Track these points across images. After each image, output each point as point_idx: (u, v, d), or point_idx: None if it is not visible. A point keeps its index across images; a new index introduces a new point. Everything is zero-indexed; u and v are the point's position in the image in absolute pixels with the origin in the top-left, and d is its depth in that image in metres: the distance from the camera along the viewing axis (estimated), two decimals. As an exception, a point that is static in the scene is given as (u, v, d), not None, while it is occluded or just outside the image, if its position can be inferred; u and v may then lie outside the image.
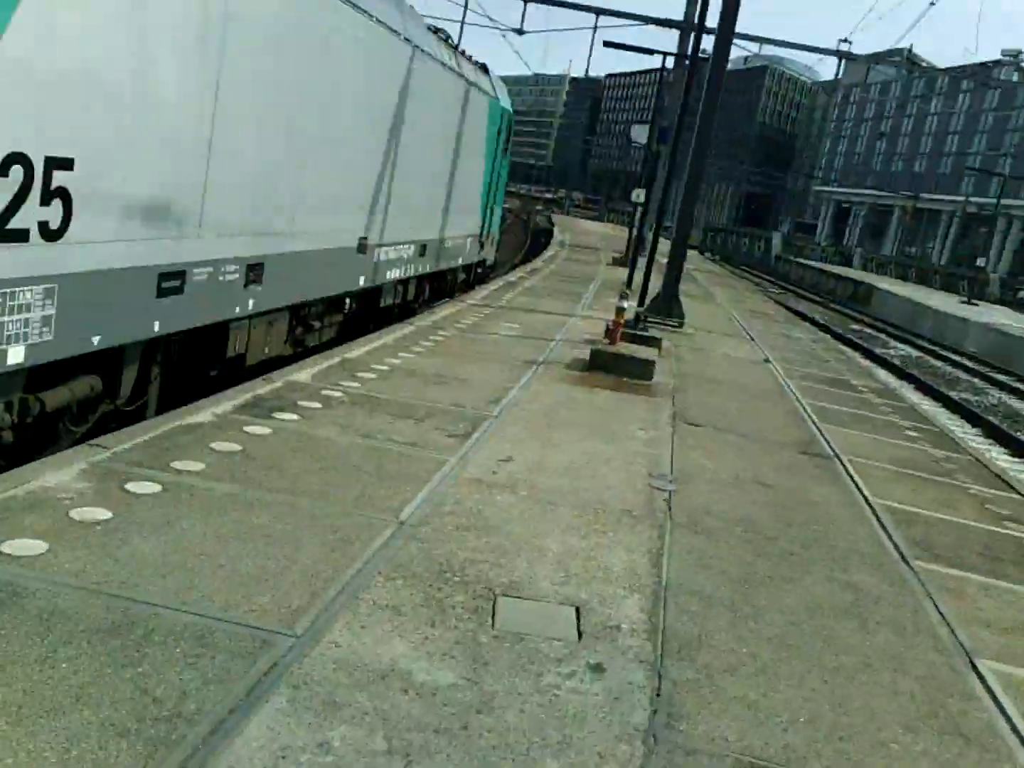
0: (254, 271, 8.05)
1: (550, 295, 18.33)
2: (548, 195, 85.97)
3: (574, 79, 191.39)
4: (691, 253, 51.87)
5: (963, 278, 66.11)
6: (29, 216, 5.08)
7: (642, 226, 27.32)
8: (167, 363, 7.52)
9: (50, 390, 5.91)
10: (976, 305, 43.50)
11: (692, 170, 15.96)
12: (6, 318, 5.06)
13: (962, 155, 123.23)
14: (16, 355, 5.21)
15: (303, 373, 8.31)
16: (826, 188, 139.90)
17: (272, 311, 8.84)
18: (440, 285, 16.24)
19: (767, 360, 14.35)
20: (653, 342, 12.60)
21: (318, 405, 7.27)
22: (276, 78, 7.91)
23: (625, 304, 11.56)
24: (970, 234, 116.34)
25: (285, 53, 7.97)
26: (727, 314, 20.70)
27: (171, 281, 6.69)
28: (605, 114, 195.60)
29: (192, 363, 7.91)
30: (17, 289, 5.12)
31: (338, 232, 10.27)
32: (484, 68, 16.50)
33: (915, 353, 29.77)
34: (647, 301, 16.31)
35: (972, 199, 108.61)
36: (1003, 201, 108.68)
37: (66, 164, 5.29)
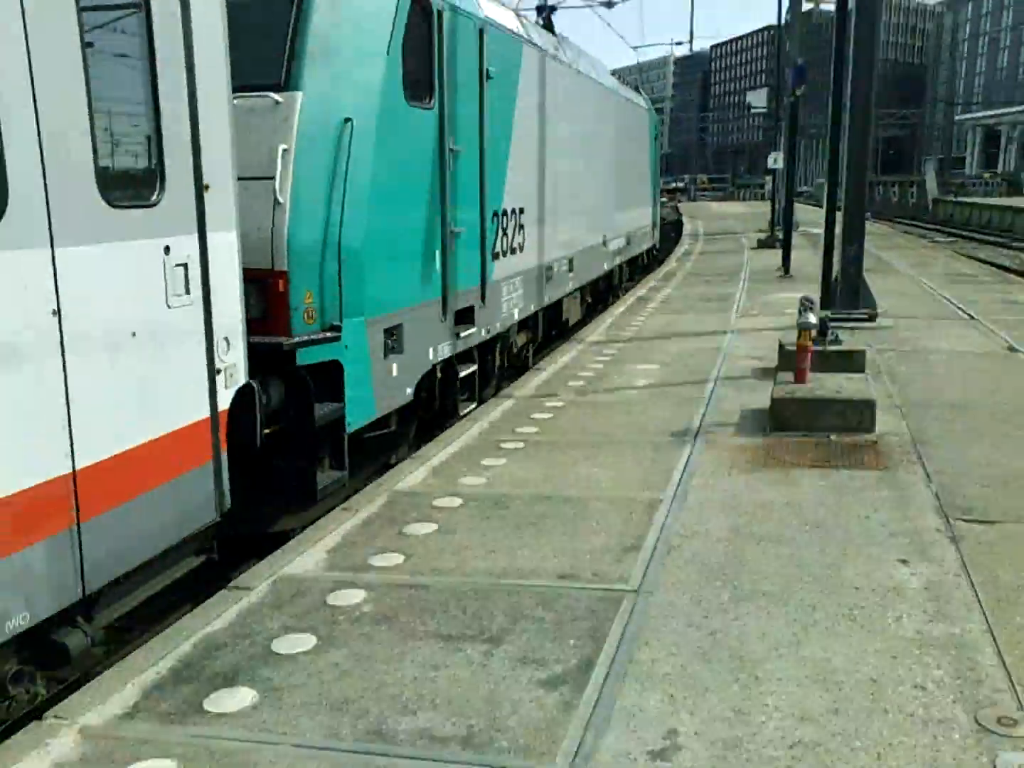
0: (571, 264, 12.58)
1: (692, 306, 14.62)
2: (672, 184, 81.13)
3: (678, 59, 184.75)
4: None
5: None
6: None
7: (790, 196, 23.10)
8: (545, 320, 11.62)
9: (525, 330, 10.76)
10: None
11: (859, 102, 11.95)
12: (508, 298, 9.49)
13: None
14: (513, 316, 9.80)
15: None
16: (970, 116, 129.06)
17: (576, 289, 13.30)
18: (633, 264, 20.15)
19: (1013, 348, 10.24)
20: (855, 358, 8.75)
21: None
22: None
23: (812, 318, 7.74)
24: None
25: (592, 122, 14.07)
26: (919, 285, 16.39)
27: (547, 272, 11.32)
28: (715, 86, 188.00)
29: (551, 322, 12.17)
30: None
31: (595, 234, 14.58)
32: (636, 89, 20.87)
33: None
34: (816, 288, 12.38)
35: None
36: None
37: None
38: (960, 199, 56.41)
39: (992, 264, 27.82)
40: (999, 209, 47.17)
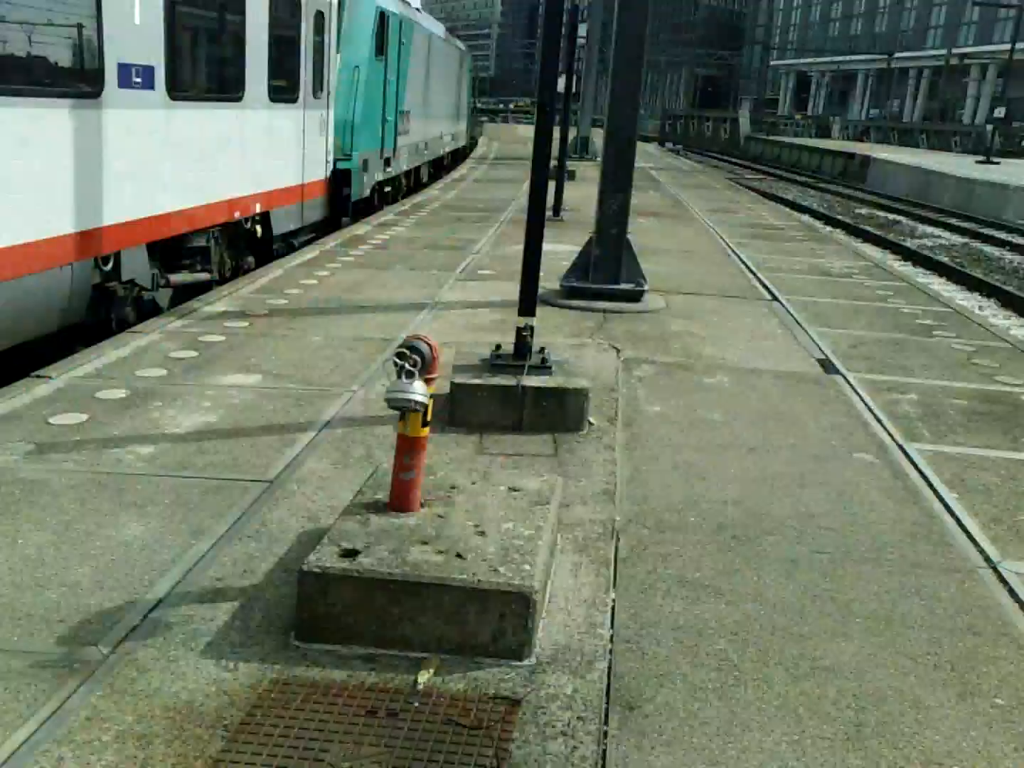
0: (426, 145, 19.94)
1: (410, 256, 10.17)
2: (492, 105, 76.48)
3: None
4: (647, 147, 43.33)
5: (954, 134, 57.53)
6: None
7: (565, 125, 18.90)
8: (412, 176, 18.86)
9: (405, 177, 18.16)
10: (996, 163, 35.12)
11: (624, 35, 7.64)
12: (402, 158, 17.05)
13: (926, 7, 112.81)
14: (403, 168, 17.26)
15: None
16: (784, 61, 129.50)
17: (428, 161, 20.66)
18: (455, 154, 26.91)
19: (827, 367, 6.34)
20: (569, 405, 4.60)
21: None
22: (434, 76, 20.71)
23: (416, 391, 3.21)
24: (938, 90, 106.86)
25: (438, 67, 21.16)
26: (713, 239, 12.57)
27: (417, 147, 18.73)
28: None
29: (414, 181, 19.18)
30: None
31: (436, 130, 21.87)
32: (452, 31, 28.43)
33: (961, 240, 21.60)
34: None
35: (939, 52, 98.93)
36: (970, 49, 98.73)
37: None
38: (771, 137, 54.14)
39: (800, 209, 24.69)
40: (808, 149, 44.82)
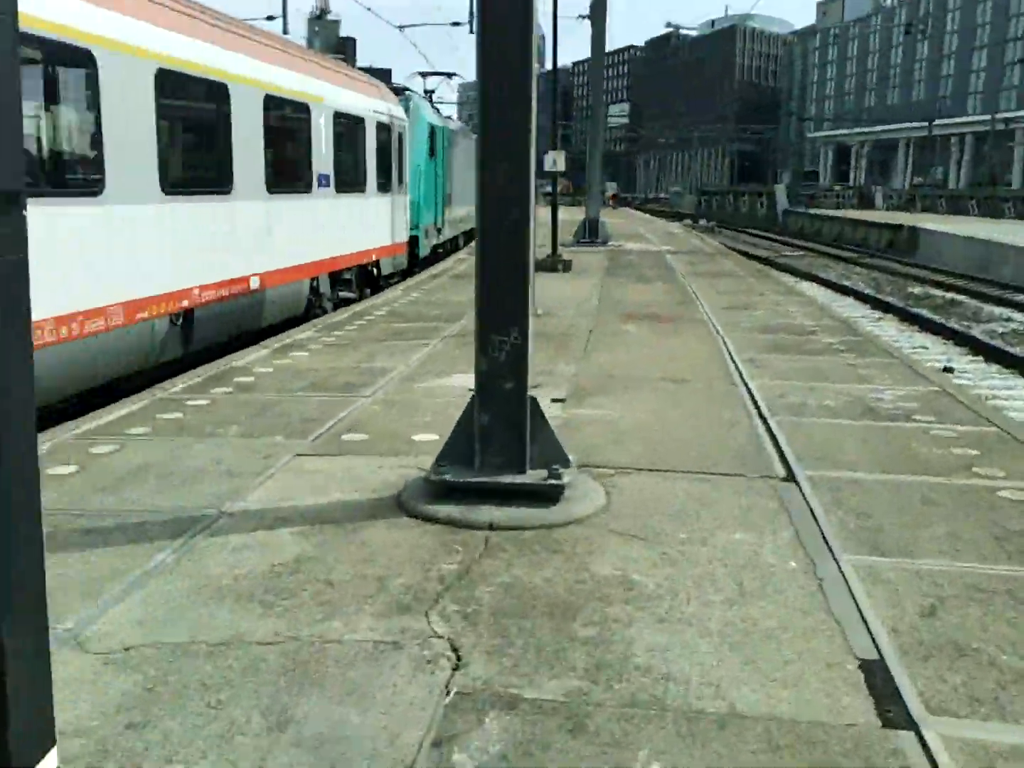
0: (462, 220, 25.38)
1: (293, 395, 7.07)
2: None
3: (540, 73, 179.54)
4: (671, 226, 39.98)
5: (1006, 200, 53.89)
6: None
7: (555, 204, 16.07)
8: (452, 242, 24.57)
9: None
10: (1062, 230, 31.49)
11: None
12: (449, 228, 23.58)
13: (964, 74, 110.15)
14: (447, 235, 23.87)
15: None
16: (822, 133, 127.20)
17: (462, 232, 26.07)
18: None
19: (892, 702, 3.00)
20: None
21: None
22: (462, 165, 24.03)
23: None
24: (983, 156, 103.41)
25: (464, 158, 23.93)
26: (718, 357, 9.33)
27: (456, 220, 24.67)
28: (579, 101, 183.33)
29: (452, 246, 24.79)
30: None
31: (464, 210, 24.93)
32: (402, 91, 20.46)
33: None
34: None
35: (983, 117, 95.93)
36: (1013, 113, 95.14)
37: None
38: (811, 211, 50.99)
39: (840, 290, 21.25)
40: (850, 222, 41.54)
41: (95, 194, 7.59)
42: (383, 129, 15.29)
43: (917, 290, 23.96)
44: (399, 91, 18.28)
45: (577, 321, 11.34)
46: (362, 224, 14.40)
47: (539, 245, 18.63)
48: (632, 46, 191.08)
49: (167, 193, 8.62)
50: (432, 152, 20.26)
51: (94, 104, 7.50)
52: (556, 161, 17.10)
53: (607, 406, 6.87)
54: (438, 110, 24.61)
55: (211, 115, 9.73)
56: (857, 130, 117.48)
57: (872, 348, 9.76)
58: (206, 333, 9.53)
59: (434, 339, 10.00)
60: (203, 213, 9.38)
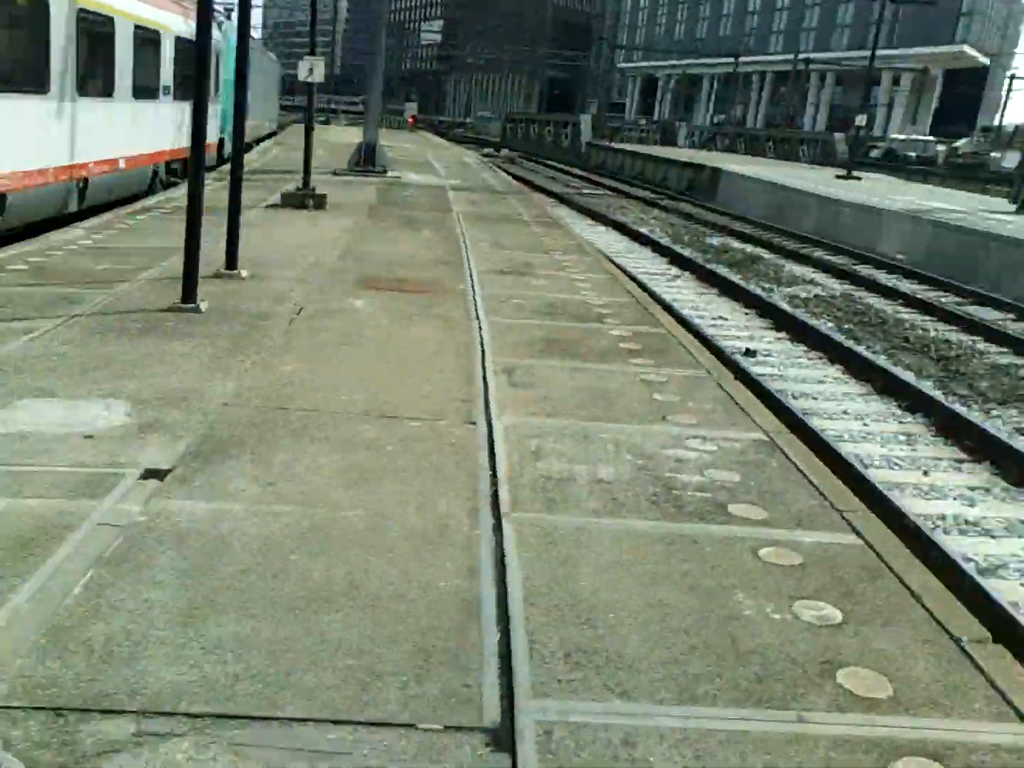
0: (255, 128, 27.89)
1: None
2: (323, 104, 69.38)
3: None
4: (467, 155, 36.23)
5: (802, 142, 54.18)
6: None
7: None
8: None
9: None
10: (858, 179, 30.85)
11: None
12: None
13: (768, 12, 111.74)
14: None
15: None
16: (631, 64, 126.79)
17: (256, 137, 28.85)
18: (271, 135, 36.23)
19: None
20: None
21: None
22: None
23: None
24: (780, 96, 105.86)
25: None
26: (458, 372, 6.68)
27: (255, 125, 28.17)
28: (392, 15, 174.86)
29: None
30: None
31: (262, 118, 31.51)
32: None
33: (841, 288, 16.42)
34: None
35: (785, 56, 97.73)
36: (811, 55, 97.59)
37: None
38: (614, 145, 49.23)
39: (638, 239, 19.08)
40: (652, 160, 39.91)
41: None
42: (179, 44, 17.37)
43: (716, 241, 22.26)
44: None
45: (292, 289, 8.34)
46: (168, 127, 16.98)
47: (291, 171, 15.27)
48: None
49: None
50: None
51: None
52: (313, 70, 13.72)
53: (235, 493, 4.02)
54: None
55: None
56: (665, 63, 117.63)
57: (673, 348, 7.33)
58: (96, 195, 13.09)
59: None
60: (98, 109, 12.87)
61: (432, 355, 6.50)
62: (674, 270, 17.41)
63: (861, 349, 11.32)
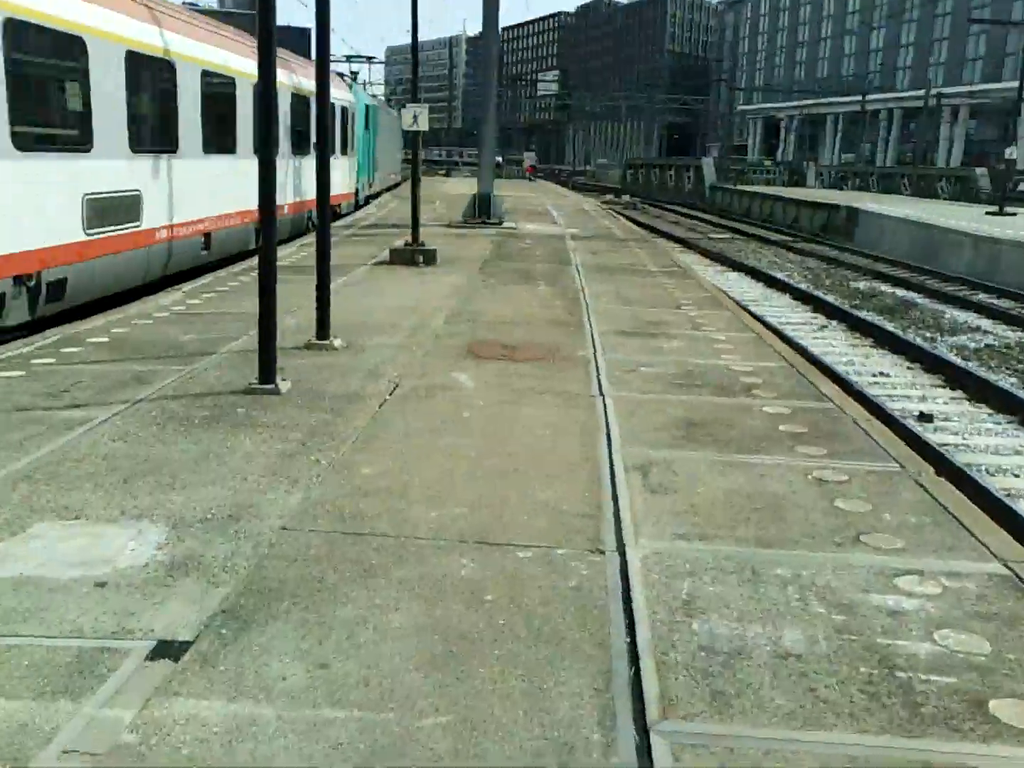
0: (383, 178, 34.30)
1: None
2: (439, 156, 70.03)
3: (470, 38, 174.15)
4: (585, 203, 34.68)
5: (940, 178, 51.17)
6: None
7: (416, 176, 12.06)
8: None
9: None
10: (1012, 215, 28.38)
11: None
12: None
13: (893, 49, 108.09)
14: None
15: None
16: (751, 106, 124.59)
17: (385, 187, 35.10)
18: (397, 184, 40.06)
19: None
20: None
21: None
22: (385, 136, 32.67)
23: None
24: (910, 132, 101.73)
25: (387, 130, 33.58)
26: (577, 474, 5.43)
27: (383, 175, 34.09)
28: (507, 67, 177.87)
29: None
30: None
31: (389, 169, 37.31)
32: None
33: (1016, 336, 14.44)
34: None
35: (915, 93, 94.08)
36: (943, 89, 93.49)
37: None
38: (739, 187, 47.49)
39: (774, 284, 17.45)
40: (782, 200, 38.06)
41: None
42: (344, 111, 21.97)
43: (862, 285, 20.44)
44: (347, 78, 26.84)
45: (389, 361, 7.29)
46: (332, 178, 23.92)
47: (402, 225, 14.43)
48: (562, 12, 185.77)
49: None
50: (367, 126, 26.95)
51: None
52: (417, 118, 12.90)
53: (270, 685, 2.87)
54: (368, 92, 34.87)
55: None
56: (786, 104, 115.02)
57: (845, 428, 5.90)
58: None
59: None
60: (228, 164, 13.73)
61: (548, 445, 5.28)
62: (820, 319, 15.79)
63: (1061, 413, 9.52)
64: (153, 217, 10.80)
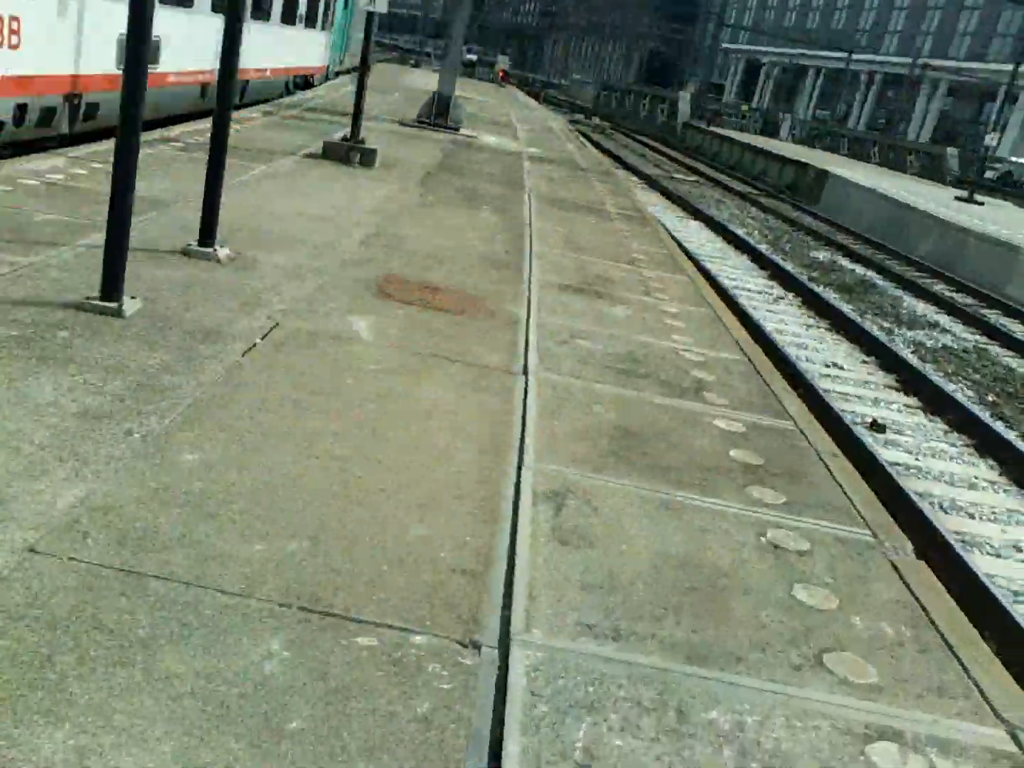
0: (352, 56, 27.51)
1: None
2: (414, 46, 66.45)
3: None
4: (554, 121, 32.45)
5: (910, 152, 50.35)
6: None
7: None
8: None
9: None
10: (981, 203, 27.56)
11: None
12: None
13: (886, 9, 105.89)
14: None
15: None
16: (736, 45, 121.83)
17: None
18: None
19: None
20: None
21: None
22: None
23: None
24: (885, 99, 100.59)
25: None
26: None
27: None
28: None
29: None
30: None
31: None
32: None
33: (972, 338, 13.58)
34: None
35: (898, 59, 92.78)
36: (931, 60, 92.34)
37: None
38: (713, 128, 45.95)
39: (733, 241, 16.27)
40: (753, 150, 36.78)
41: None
42: None
43: (822, 255, 19.48)
44: None
45: (277, 287, 5.99)
46: (310, 49, 22.24)
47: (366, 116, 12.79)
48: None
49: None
50: (346, 5, 27.27)
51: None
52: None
53: None
54: None
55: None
56: (771, 48, 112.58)
57: (808, 465, 4.83)
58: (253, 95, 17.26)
59: None
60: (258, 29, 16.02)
61: (442, 448, 4.10)
62: (776, 289, 14.80)
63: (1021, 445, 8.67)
64: (167, 63, 12.45)
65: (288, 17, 18.89)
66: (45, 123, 9.92)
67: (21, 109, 9.44)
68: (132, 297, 5.03)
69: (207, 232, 6.32)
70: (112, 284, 4.90)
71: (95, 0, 10.12)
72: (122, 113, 4.74)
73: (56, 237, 6.15)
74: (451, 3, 18.50)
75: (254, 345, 4.85)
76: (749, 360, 6.67)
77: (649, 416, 5.01)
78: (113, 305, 4.86)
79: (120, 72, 10.39)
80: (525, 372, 5.33)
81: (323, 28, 23.72)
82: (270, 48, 17.89)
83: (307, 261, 6.71)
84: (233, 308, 5.36)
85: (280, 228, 7.54)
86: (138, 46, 4.68)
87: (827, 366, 10.69)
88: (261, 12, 16.84)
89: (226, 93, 6.23)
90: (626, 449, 4.48)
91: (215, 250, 6.30)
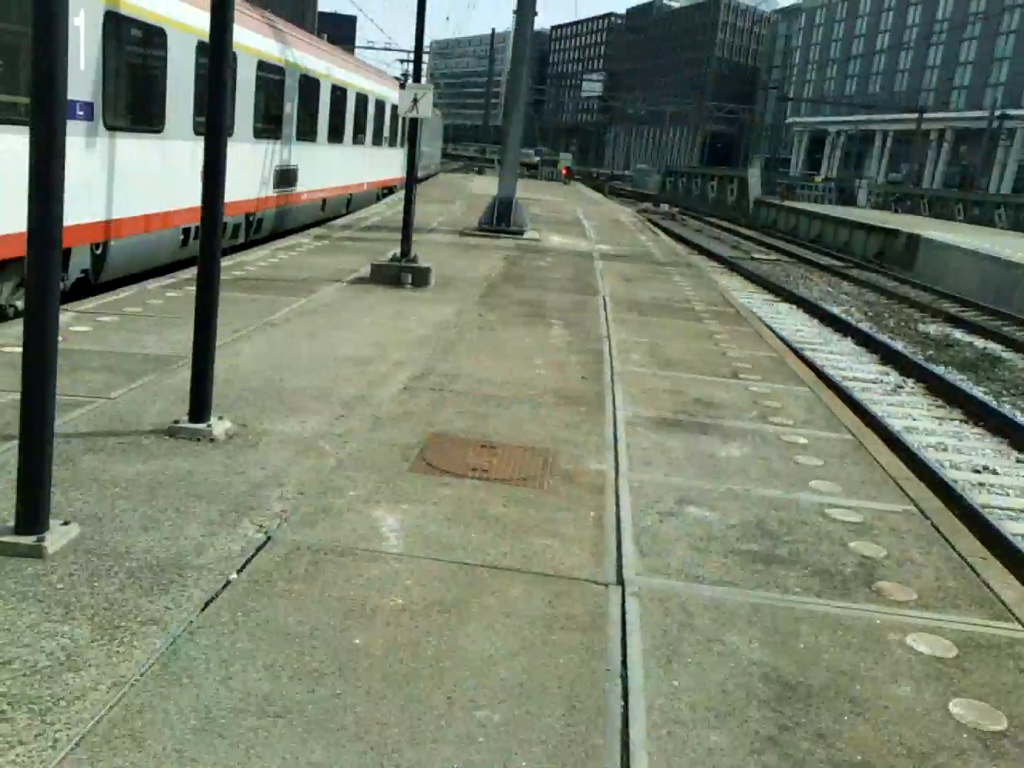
0: (426, 167, 38.59)
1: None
2: (478, 154, 67.12)
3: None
4: (622, 213, 30.94)
5: (998, 206, 47.81)
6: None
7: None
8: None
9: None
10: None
11: None
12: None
13: (950, 66, 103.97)
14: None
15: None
16: (800, 119, 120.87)
17: (428, 174, 40.30)
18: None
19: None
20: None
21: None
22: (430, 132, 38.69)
23: None
24: (958, 154, 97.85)
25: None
26: None
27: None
28: (553, 67, 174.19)
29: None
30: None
31: (431, 161, 42.53)
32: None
33: None
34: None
35: (970, 113, 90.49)
36: (1008, 111, 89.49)
37: None
38: (787, 203, 44.33)
39: (830, 322, 14.47)
40: (833, 221, 34.94)
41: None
42: (395, 109, 23.29)
43: (932, 329, 17.46)
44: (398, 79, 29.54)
45: (282, 473, 4.52)
46: (389, 164, 24.79)
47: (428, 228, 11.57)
48: (612, 13, 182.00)
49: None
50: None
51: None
52: (418, 102, 10.09)
53: None
54: None
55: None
56: (836, 118, 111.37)
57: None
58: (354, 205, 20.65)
59: None
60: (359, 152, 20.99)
61: (492, 761, 2.47)
62: (891, 375, 12.89)
63: None
64: (304, 183, 15.47)
65: (377, 139, 22.93)
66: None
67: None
68: (65, 523, 3.61)
69: (199, 405, 4.94)
70: (32, 510, 3.48)
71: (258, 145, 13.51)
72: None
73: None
74: (508, 108, 17.56)
75: (225, 586, 3.34)
76: (919, 509, 4.91)
77: (810, 646, 3.30)
78: (31, 540, 3.43)
79: (277, 193, 14.67)
80: (620, 579, 3.70)
81: (401, 145, 26.64)
82: (368, 167, 21.99)
83: (328, 427, 5.26)
84: (212, 520, 3.88)
85: (304, 380, 6.15)
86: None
87: (975, 471, 8.77)
88: (361, 135, 20.99)
89: (210, 240, 4.90)
90: (788, 731, 2.78)
91: (209, 426, 4.90)
